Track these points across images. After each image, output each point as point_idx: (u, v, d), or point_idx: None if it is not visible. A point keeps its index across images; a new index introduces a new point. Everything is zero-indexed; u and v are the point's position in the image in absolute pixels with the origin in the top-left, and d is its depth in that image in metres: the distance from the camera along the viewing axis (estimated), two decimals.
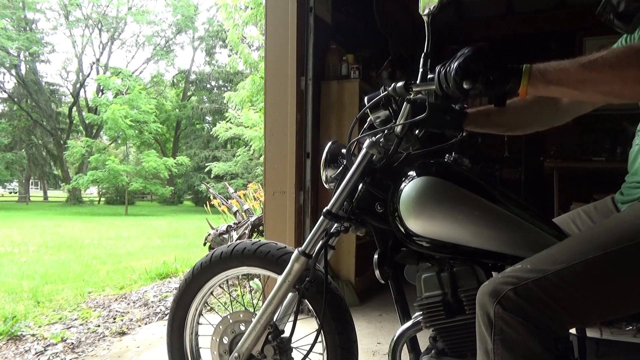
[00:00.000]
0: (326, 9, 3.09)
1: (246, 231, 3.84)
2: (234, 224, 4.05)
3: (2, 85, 25.54)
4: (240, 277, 3.33)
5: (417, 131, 1.09)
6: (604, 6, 1.07)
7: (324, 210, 1.14)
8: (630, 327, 0.96)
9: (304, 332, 1.29)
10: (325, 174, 1.23)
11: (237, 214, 4.35)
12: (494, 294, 0.87)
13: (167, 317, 1.50)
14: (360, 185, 1.14)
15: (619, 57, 0.83)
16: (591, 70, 0.85)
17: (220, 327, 1.35)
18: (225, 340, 1.34)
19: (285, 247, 1.32)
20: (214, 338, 1.35)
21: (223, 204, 4.68)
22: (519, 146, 4.81)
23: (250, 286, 3.41)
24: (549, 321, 0.85)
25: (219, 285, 1.44)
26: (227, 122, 10.64)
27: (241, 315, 1.33)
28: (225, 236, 4.00)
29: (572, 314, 0.87)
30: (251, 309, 1.37)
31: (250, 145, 9.35)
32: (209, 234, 4.10)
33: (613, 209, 1.13)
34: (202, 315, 1.49)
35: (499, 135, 1.22)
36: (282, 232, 2.81)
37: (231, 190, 4.94)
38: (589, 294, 0.86)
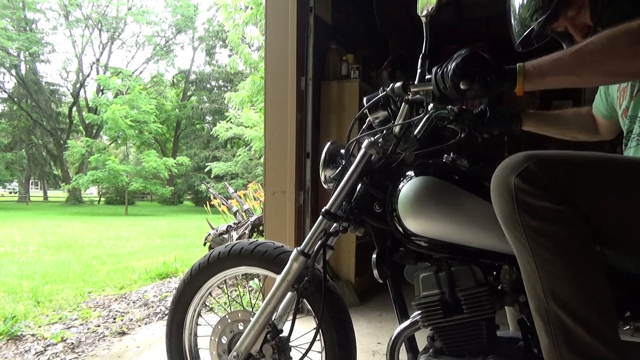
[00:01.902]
0: (326, 9, 3.09)
1: (246, 231, 3.85)
2: (234, 224, 4.06)
3: (2, 85, 25.59)
4: (240, 277, 3.34)
5: (415, 131, 1.09)
6: None
7: (323, 210, 1.15)
8: (628, 327, 0.96)
9: (303, 331, 1.29)
10: (324, 174, 1.24)
11: (237, 214, 4.36)
12: (513, 167, 0.89)
13: (166, 318, 1.50)
14: (359, 185, 1.14)
15: (609, 37, 0.84)
16: (585, 54, 0.86)
17: (219, 327, 1.35)
18: (224, 340, 1.34)
19: (282, 246, 1.32)
20: (212, 338, 1.35)
21: (223, 204, 4.68)
22: (519, 146, 4.80)
23: (250, 286, 3.41)
24: (563, 187, 0.87)
25: (218, 286, 1.44)
26: (227, 122, 10.65)
27: (239, 315, 1.33)
28: (225, 236, 4.00)
29: (584, 196, 0.88)
30: (249, 309, 1.37)
31: (251, 146, 9.36)
32: (209, 234, 4.10)
33: None
34: (201, 315, 1.49)
35: (499, 135, 1.24)
36: (282, 232, 2.81)
37: (231, 190, 4.95)
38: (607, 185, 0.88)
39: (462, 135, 1.11)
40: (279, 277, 1.20)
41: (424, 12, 1.01)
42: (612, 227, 0.90)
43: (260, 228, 3.79)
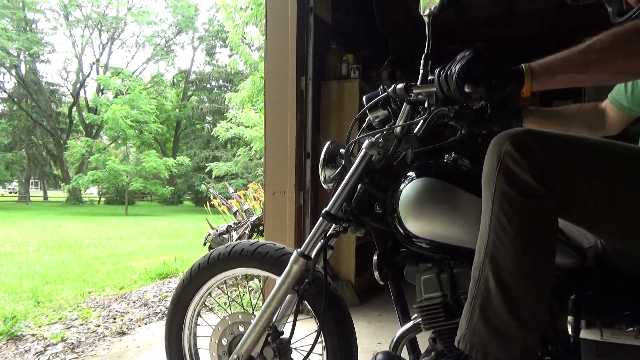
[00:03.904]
0: (326, 9, 3.09)
1: (246, 231, 3.84)
2: (234, 224, 4.05)
3: (2, 85, 25.58)
4: (240, 277, 3.33)
5: (416, 130, 1.08)
6: None
7: (323, 211, 1.14)
8: (631, 329, 0.96)
9: (304, 332, 1.28)
10: (323, 174, 1.22)
11: (237, 214, 4.35)
12: (511, 135, 0.90)
13: (165, 318, 1.49)
14: (359, 186, 1.13)
15: (617, 35, 0.84)
16: (593, 52, 0.86)
17: (219, 328, 1.34)
18: (224, 341, 1.33)
19: (283, 247, 1.31)
20: (212, 339, 1.35)
21: (223, 204, 4.68)
22: None
23: (250, 286, 3.41)
24: (552, 170, 0.88)
25: (217, 286, 1.43)
26: (227, 122, 10.65)
27: (240, 317, 1.32)
28: (225, 236, 4.00)
29: (570, 180, 0.89)
30: (250, 310, 1.36)
31: (251, 146, 9.36)
32: (209, 234, 4.10)
33: None
34: (201, 316, 1.48)
35: (499, 132, 1.23)
36: (282, 232, 2.81)
37: (231, 190, 4.94)
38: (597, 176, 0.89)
39: (463, 132, 1.09)
40: (279, 280, 1.19)
41: (427, 12, 1.00)
42: (594, 212, 0.91)
43: (260, 228, 3.79)
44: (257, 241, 1.35)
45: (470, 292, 0.92)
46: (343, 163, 1.19)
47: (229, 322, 1.33)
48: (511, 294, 0.87)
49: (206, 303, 1.48)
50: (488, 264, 0.89)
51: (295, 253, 1.17)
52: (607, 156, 0.90)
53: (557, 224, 0.91)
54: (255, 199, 4.61)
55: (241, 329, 1.31)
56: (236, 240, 3.81)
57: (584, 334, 0.95)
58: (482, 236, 0.91)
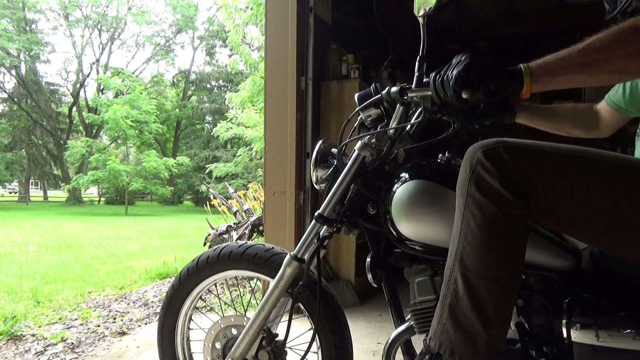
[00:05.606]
0: (326, 9, 3.09)
1: (246, 231, 3.85)
2: (234, 224, 4.06)
3: (2, 85, 25.58)
4: (239, 278, 3.33)
5: (408, 127, 1.07)
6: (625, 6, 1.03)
7: (316, 214, 1.13)
8: (628, 331, 0.96)
9: (297, 331, 1.27)
10: (315, 174, 1.21)
11: (237, 214, 4.36)
12: (484, 145, 0.92)
13: (157, 324, 1.46)
14: (352, 186, 1.12)
15: (617, 34, 0.82)
16: (593, 51, 0.84)
17: (212, 332, 1.32)
18: (218, 345, 1.32)
19: (272, 247, 1.30)
20: (206, 344, 1.33)
21: (223, 204, 4.69)
22: None
23: (250, 286, 3.41)
24: (522, 180, 0.89)
25: (209, 290, 1.42)
26: (227, 122, 10.65)
27: (232, 320, 1.31)
28: (225, 236, 4.00)
29: (541, 191, 0.88)
30: (242, 312, 1.35)
31: (252, 147, 9.37)
32: (209, 234, 4.11)
33: None
34: (193, 320, 1.46)
35: (491, 126, 1.22)
36: (282, 232, 2.81)
37: (231, 190, 4.95)
38: (569, 183, 0.88)
39: (456, 127, 1.07)
40: (272, 282, 1.18)
41: (421, 12, 0.96)
42: (572, 220, 0.90)
43: (260, 228, 3.80)
44: (246, 242, 1.33)
45: (441, 292, 0.94)
46: (335, 163, 1.17)
47: (222, 326, 1.31)
48: (477, 294, 0.89)
49: (197, 307, 1.47)
50: (457, 265, 0.91)
51: (288, 256, 1.17)
52: (581, 165, 0.90)
53: (527, 230, 0.92)
54: (255, 199, 4.62)
55: (234, 331, 1.30)
56: (236, 240, 3.82)
57: (579, 337, 0.95)
58: (453, 239, 0.93)
